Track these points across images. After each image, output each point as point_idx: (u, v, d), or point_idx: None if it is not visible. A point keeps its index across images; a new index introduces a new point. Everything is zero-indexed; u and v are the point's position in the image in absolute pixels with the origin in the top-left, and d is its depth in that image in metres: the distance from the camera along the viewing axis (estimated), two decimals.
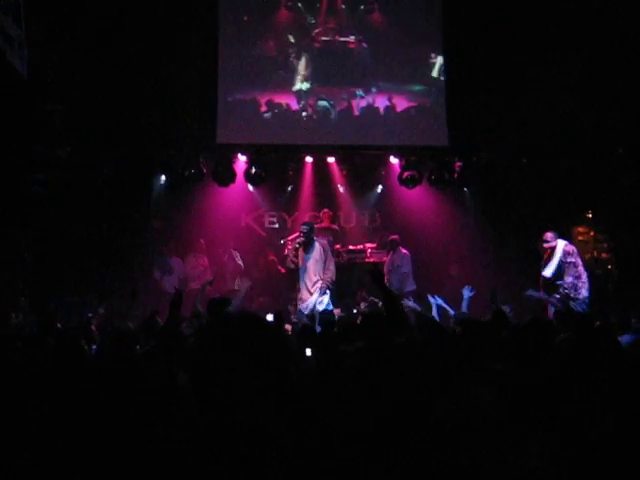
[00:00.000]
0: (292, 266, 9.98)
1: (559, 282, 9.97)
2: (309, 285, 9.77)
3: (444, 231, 13.22)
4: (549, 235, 10.22)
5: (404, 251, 12.11)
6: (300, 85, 13.07)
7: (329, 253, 10.11)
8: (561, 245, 10.10)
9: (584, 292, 9.94)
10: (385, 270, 11.88)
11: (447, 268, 13.03)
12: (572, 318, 5.57)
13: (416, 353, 4.37)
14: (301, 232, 9.91)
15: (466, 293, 7.95)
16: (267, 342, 1.89)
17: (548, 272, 10.03)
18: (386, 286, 5.27)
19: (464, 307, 7.79)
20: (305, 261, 9.82)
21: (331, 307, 9.64)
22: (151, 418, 3.19)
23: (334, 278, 9.87)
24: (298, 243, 9.89)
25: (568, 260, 10.01)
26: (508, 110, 12.50)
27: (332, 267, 9.89)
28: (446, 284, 12.17)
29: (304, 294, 9.79)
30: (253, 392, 1.82)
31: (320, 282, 9.75)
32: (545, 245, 10.20)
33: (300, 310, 9.77)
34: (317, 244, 9.91)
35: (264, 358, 1.85)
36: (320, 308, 9.48)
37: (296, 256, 9.89)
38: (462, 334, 4.71)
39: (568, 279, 9.95)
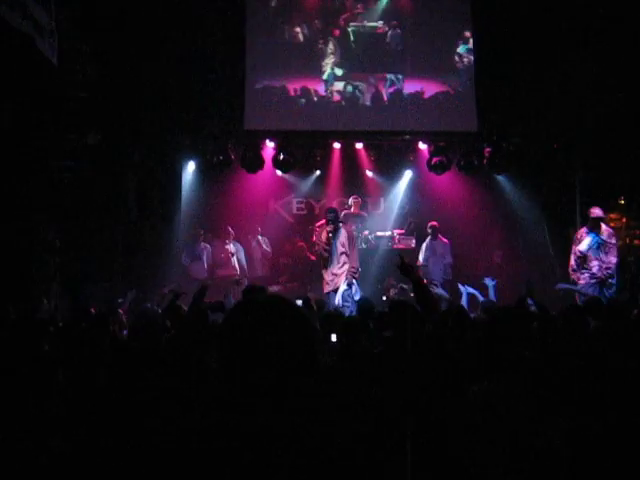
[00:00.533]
0: (325, 254, 10.13)
1: (597, 263, 9.81)
2: (335, 268, 9.93)
3: (474, 218, 13.15)
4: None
5: (445, 240, 12.07)
6: (328, 71, 13.00)
7: (354, 240, 10.22)
8: (604, 227, 9.99)
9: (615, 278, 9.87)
10: (421, 257, 11.87)
11: (490, 256, 12.94)
12: (608, 306, 5.49)
13: (443, 342, 4.38)
14: (328, 220, 10.06)
15: (489, 282, 7.92)
16: (298, 327, 1.89)
17: (583, 247, 9.86)
18: (416, 275, 5.25)
19: (492, 295, 7.76)
20: (333, 246, 9.97)
21: (359, 294, 9.68)
22: (179, 400, 3.23)
23: (357, 266, 9.99)
24: (330, 231, 10.02)
25: (613, 241, 9.90)
26: (538, 95, 12.34)
27: (355, 256, 10.02)
28: (491, 272, 12.12)
29: (328, 276, 9.96)
30: (281, 377, 1.82)
31: (346, 266, 9.87)
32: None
33: (328, 296, 9.86)
34: (343, 230, 10.13)
35: (295, 343, 1.85)
36: (349, 297, 9.59)
37: (328, 244, 10.02)
38: (488, 321, 4.68)
39: (613, 259, 9.83)
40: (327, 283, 10.10)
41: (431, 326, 4.52)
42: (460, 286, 8.03)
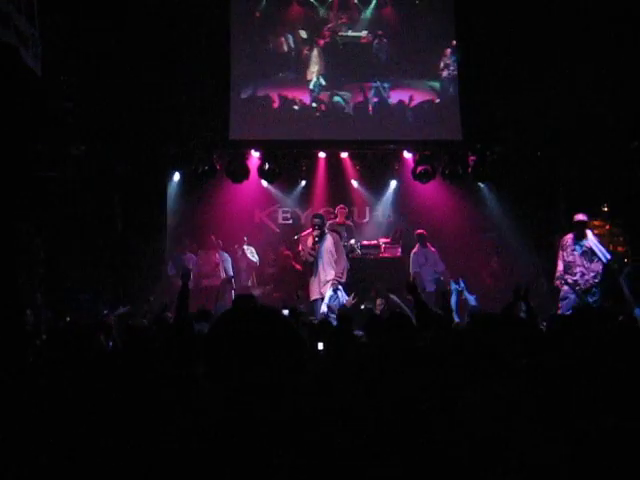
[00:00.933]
0: (311, 259, 10.14)
1: (580, 270, 9.82)
2: (321, 276, 9.91)
3: (459, 225, 13.19)
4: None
5: (433, 249, 12.09)
6: (313, 80, 13.05)
7: (340, 246, 10.23)
8: (589, 233, 9.97)
9: None
10: (412, 263, 11.87)
11: (488, 262, 12.98)
12: (598, 313, 5.51)
13: (436, 354, 4.39)
14: (314, 225, 10.07)
15: (453, 287, 7.86)
16: (285, 336, 1.90)
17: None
18: (419, 293, 5.37)
19: (453, 300, 7.70)
20: (318, 253, 9.98)
21: (345, 299, 9.68)
22: (164, 411, 3.21)
23: (344, 272, 10.00)
24: (315, 236, 10.03)
25: (600, 248, 9.90)
26: (522, 104, 12.39)
27: (343, 261, 10.04)
28: (486, 279, 12.16)
29: (313, 285, 9.93)
30: (268, 386, 1.82)
31: (332, 275, 9.88)
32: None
33: (315, 304, 9.86)
34: (328, 235, 10.17)
35: (281, 352, 1.85)
36: (335, 303, 9.57)
37: (314, 249, 10.03)
38: (472, 328, 4.69)
39: (598, 267, 9.78)
40: (313, 291, 10.09)
41: (424, 341, 4.54)
42: (452, 283, 7.96)
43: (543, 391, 3.09)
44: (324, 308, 9.64)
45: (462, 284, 7.92)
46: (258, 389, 1.81)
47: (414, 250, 12.10)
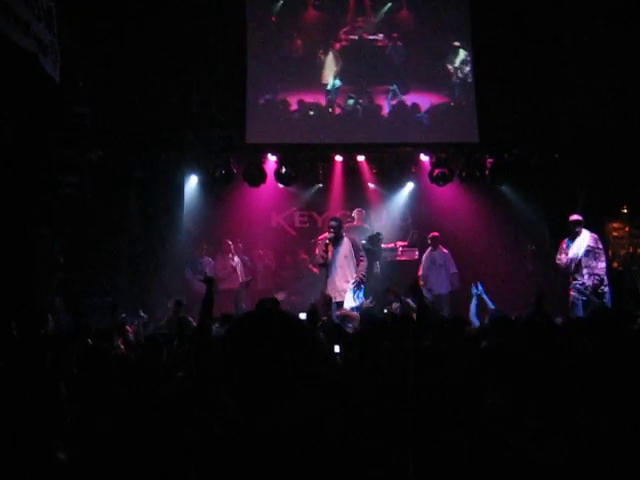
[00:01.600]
0: (321, 261, 10.05)
1: (587, 270, 9.78)
2: (337, 282, 9.82)
3: (477, 228, 13.17)
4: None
5: (445, 250, 12.05)
6: (329, 84, 13.07)
7: (360, 248, 10.16)
8: (587, 232, 9.94)
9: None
10: (423, 266, 11.85)
11: (524, 265, 12.90)
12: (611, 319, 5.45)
13: (442, 356, 4.38)
14: (330, 227, 10.02)
15: (473, 291, 7.80)
16: (301, 341, 1.91)
17: (565, 258, 9.87)
18: (420, 294, 5.36)
19: (473, 305, 7.66)
20: (335, 256, 9.89)
21: (362, 300, 9.66)
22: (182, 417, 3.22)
23: (365, 272, 9.95)
24: (328, 239, 9.95)
25: (600, 246, 9.86)
26: (539, 105, 12.36)
27: (364, 262, 9.97)
28: (524, 281, 12.08)
29: (332, 289, 9.82)
30: (284, 392, 1.84)
31: (352, 279, 9.81)
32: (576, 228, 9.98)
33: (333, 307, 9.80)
34: (346, 239, 10.04)
35: (298, 358, 1.86)
36: (356, 303, 9.54)
37: (326, 251, 9.94)
38: (493, 331, 4.69)
39: (601, 265, 9.75)
40: (331, 293, 9.99)
41: (429, 341, 4.55)
42: (473, 287, 7.88)
43: (561, 396, 3.07)
44: (348, 306, 9.57)
45: (480, 288, 7.86)
46: (273, 391, 1.82)
47: (425, 253, 12.07)
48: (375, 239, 11.90)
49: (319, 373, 1.95)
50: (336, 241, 9.96)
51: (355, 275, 9.87)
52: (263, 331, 1.90)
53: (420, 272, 11.83)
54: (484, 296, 7.80)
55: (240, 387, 1.84)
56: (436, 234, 12.09)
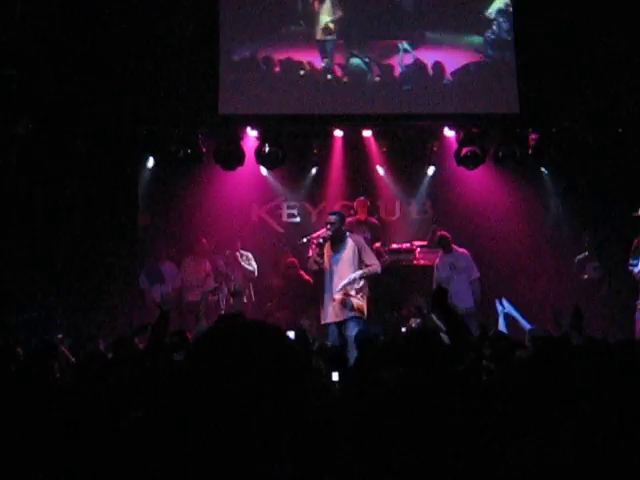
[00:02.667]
0: (315, 267, 9.96)
1: None
2: (338, 294, 9.72)
3: (516, 223, 13.20)
4: None
5: (462, 250, 12.00)
6: (325, 38, 13.03)
7: (367, 249, 10.06)
8: None
9: None
10: (438, 277, 11.81)
11: (582, 269, 12.89)
12: None
13: (480, 384, 4.34)
14: (328, 224, 9.91)
15: (499, 309, 7.80)
16: (286, 366, 1.86)
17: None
18: (450, 308, 5.33)
19: (501, 326, 7.67)
20: (332, 263, 9.78)
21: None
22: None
23: (375, 273, 9.86)
24: (323, 238, 9.86)
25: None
26: (597, 66, 12.33)
27: (376, 263, 9.93)
28: (578, 293, 12.06)
29: (329, 305, 9.74)
30: (261, 429, 1.80)
31: (354, 292, 9.73)
32: None
33: (328, 328, 9.76)
34: (350, 240, 9.93)
35: (281, 386, 1.83)
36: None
37: (321, 254, 9.84)
38: (535, 356, 4.65)
39: None
40: (325, 312, 9.89)
41: (463, 366, 4.52)
42: (497, 304, 7.87)
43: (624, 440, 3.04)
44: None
45: (506, 304, 7.86)
46: (245, 438, 1.79)
47: (436, 261, 12.04)
48: None
49: (308, 409, 1.90)
50: (336, 242, 9.84)
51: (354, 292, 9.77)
52: (230, 355, 1.85)
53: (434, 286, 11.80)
54: (514, 313, 7.78)
55: (204, 433, 1.81)
56: (444, 233, 12.08)
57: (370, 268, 9.80)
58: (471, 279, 11.81)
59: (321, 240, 9.88)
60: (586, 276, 12.64)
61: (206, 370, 1.83)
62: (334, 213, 10.28)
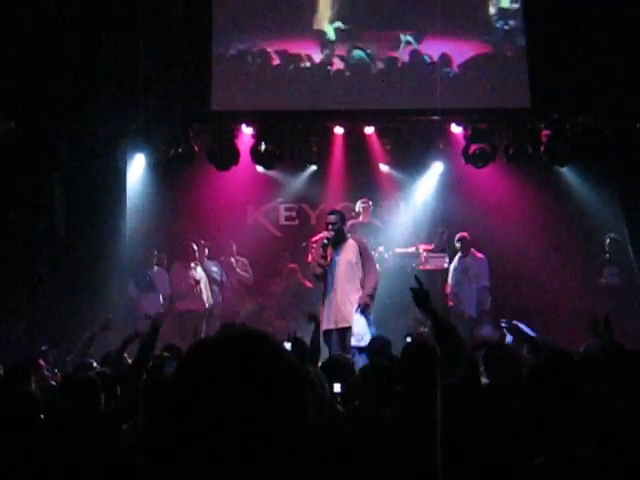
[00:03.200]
0: (319, 271, 10.00)
1: None
2: (338, 301, 9.70)
3: (528, 225, 13.16)
4: None
5: (480, 255, 12.01)
6: (325, 29, 12.98)
7: (369, 253, 10.05)
8: None
9: None
10: (451, 281, 11.82)
11: (598, 274, 12.82)
12: None
13: (477, 397, 4.31)
14: (328, 224, 9.90)
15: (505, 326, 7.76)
16: (281, 379, 1.79)
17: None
18: (433, 309, 5.40)
19: (509, 339, 7.66)
20: (333, 264, 9.76)
21: (373, 331, 9.58)
22: None
23: (376, 288, 9.84)
24: (327, 239, 9.84)
25: None
26: (613, 57, 12.28)
27: (374, 274, 9.86)
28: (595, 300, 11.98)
29: (329, 310, 9.71)
30: (257, 454, 1.74)
31: (357, 296, 9.70)
32: None
33: (329, 336, 9.72)
34: (351, 241, 9.99)
35: (274, 401, 1.76)
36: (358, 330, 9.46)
37: (324, 257, 9.83)
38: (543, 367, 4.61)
39: None
40: (325, 319, 9.89)
41: (457, 378, 4.51)
42: (502, 323, 7.86)
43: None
44: (354, 341, 9.52)
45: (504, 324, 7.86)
46: (241, 454, 1.72)
47: (454, 262, 12.13)
48: None
49: (309, 425, 1.84)
50: (337, 243, 9.85)
51: (361, 293, 9.75)
52: (227, 366, 1.77)
53: (448, 289, 11.75)
54: (519, 325, 7.76)
55: (197, 449, 1.75)
56: (465, 234, 12.14)
57: (368, 283, 9.81)
58: (478, 287, 11.82)
59: (325, 241, 9.89)
60: (603, 280, 12.58)
61: (196, 383, 1.77)
62: (334, 212, 10.29)
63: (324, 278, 9.95)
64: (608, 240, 12.59)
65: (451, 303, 11.76)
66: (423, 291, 5.41)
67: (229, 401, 1.72)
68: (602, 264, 12.60)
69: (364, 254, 9.94)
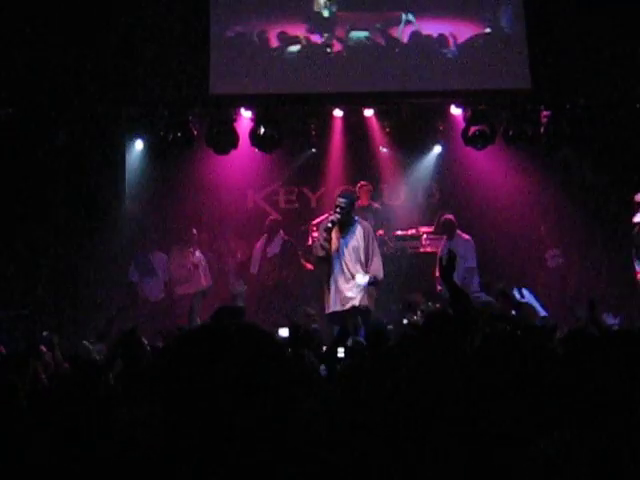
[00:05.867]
0: (321, 253, 9.97)
1: None
2: (342, 286, 9.73)
3: (528, 206, 13.20)
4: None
5: (466, 237, 12.01)
6: (323, 10, 12.97)
7: (373, 239, 10.05)
8: None
9: None
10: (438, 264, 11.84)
11: (542, 257, 12.87)
12: None
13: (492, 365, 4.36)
14: (337, 206, 9.89)
15: (517, 296, 7.81)
16: (273, 371, 1.85)
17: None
18: (454, 281, 5.53)
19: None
20: (340, 247, 9.77)
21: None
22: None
23: (381, 274, 9.87)
24: (331, 221, 9.84)
25: None
26: (616, 37, 12.25)
27: (378, 259, 9.87)
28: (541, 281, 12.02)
29: (335, 294, 9.74)
30: (244, 438, 1.78)
31: (363, 280, 9.74)
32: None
33: (331, 320, 9.76)
34: (359, 226, 9.99)
35: (265, 393, 1.82)
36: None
37: (328, 239, 9.82)
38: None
39: None
40: (330, 302, 9.93)
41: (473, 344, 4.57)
42: (515, 292, 7.90)
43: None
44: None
45: (527, 293, 7.88)
46: (233, 444, 1.77)
47: (440, 247, 12.04)
48: None
49: (298, 411, 1.89)
50: (345, 227, 9.83)
51: (366, 278, 9.78)
52: (218, 354, 1.83)
53: (438, 273, 11.80)
54: (534, 302, 7.80)
55: (187, 439, 1.79)
56: (450, 217, 12.13)
57: (376, 274, 9.87)
58: (465, 266, 11.80)
59: (329, 224, 9.86)
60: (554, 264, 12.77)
61: (193, 369, 1.82)
62: (345, 196, 10.18)
63: (327, 261, 9.98)
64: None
65: (440, 287, 11.76)
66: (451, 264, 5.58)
67: (213, 390, 1.76)
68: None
69: (371, 243, 9.93)
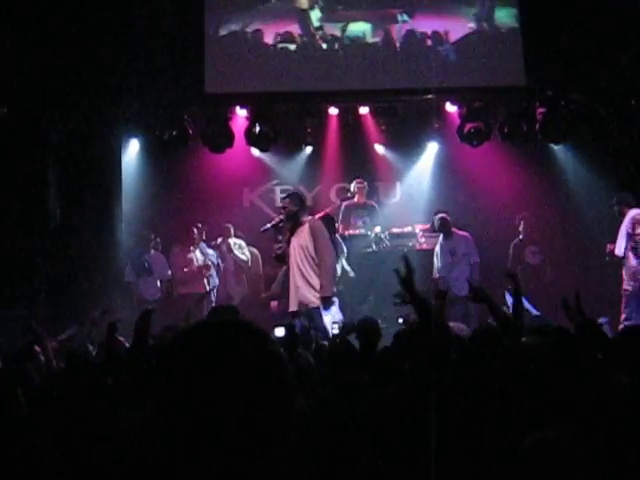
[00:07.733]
0: (273, 254, 9.94)
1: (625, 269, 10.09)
2: (295, 282, 9.47)
3: (525, 203, 13.20)
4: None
5: (463, 234, 11.98)
6: (317, 8, 12.97)
7: (321, 238, 9.56)
8: (631, 214, 10.28)
9: None
10: (439, 264, 11.80)
11: (522, 253, 12.88)
12: None
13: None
14: (281, 209, 9.81)
15: (509, 300, 7.81)
16: (268, 370, 1.86)
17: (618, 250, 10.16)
18: (416, 290, 4.88)
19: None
20: (292, 249, 9.53)
21: (340, 317, 9.55)
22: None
23: (333, 275, 9.69)
24: (274, 224, 9.80)
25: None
26: (610, 34, 12.26)
27: (327, 260, 9.49)
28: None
29: (292, 294, 9.52)
30: (239, 438, 1.79)
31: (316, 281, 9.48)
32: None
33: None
34: (305, 225, 9.53)
35: (259, 393, 1.82)
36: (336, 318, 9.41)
37: (279, 240, 9.74)
38: (542, 347, 4.68)
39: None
40: (290, 300, 9.68)
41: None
42: (507, 295, 7.91)
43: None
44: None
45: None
46: (226, 444, 1.78)
47: (436, 248, 12.01)
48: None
49: (293, 411, 1.89)
50: (294, 227, 9.53)
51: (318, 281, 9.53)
52: (213, 352, 1.84)
53: (436, 274, 11.75)
54: (525, 303, 7.80)
55: (180, 438, 1.81)
56: (445, 215, 12.00)
57: (324, 276, 9.38)
58: (471, 263, 11.82)
59: (268, 225, 9.94)
60: (535, 261, 12.79)
61: (183, 362, 1.84)
62: (287, 196, 9.94)
63: (284, 262, 9.84)
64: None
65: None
66: (410, 273, 4.69)
67: (210, 388, 1.77)
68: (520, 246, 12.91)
69: (316, 239, 9.45)
